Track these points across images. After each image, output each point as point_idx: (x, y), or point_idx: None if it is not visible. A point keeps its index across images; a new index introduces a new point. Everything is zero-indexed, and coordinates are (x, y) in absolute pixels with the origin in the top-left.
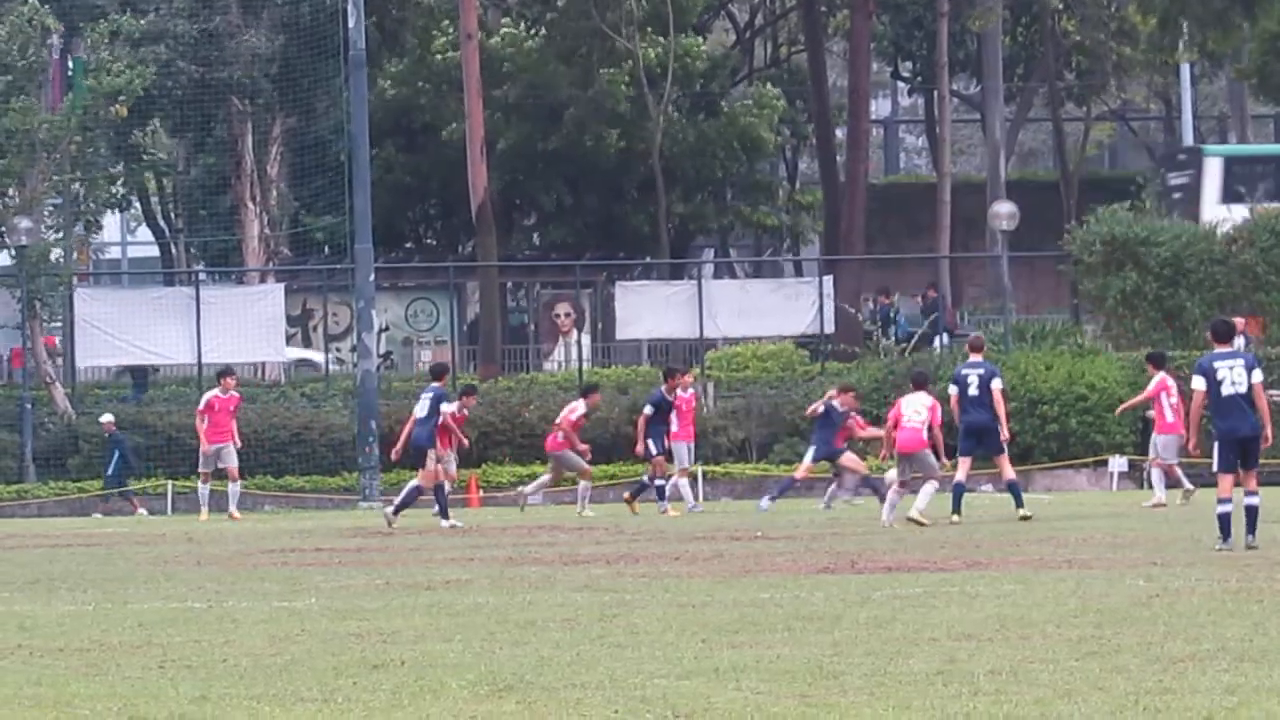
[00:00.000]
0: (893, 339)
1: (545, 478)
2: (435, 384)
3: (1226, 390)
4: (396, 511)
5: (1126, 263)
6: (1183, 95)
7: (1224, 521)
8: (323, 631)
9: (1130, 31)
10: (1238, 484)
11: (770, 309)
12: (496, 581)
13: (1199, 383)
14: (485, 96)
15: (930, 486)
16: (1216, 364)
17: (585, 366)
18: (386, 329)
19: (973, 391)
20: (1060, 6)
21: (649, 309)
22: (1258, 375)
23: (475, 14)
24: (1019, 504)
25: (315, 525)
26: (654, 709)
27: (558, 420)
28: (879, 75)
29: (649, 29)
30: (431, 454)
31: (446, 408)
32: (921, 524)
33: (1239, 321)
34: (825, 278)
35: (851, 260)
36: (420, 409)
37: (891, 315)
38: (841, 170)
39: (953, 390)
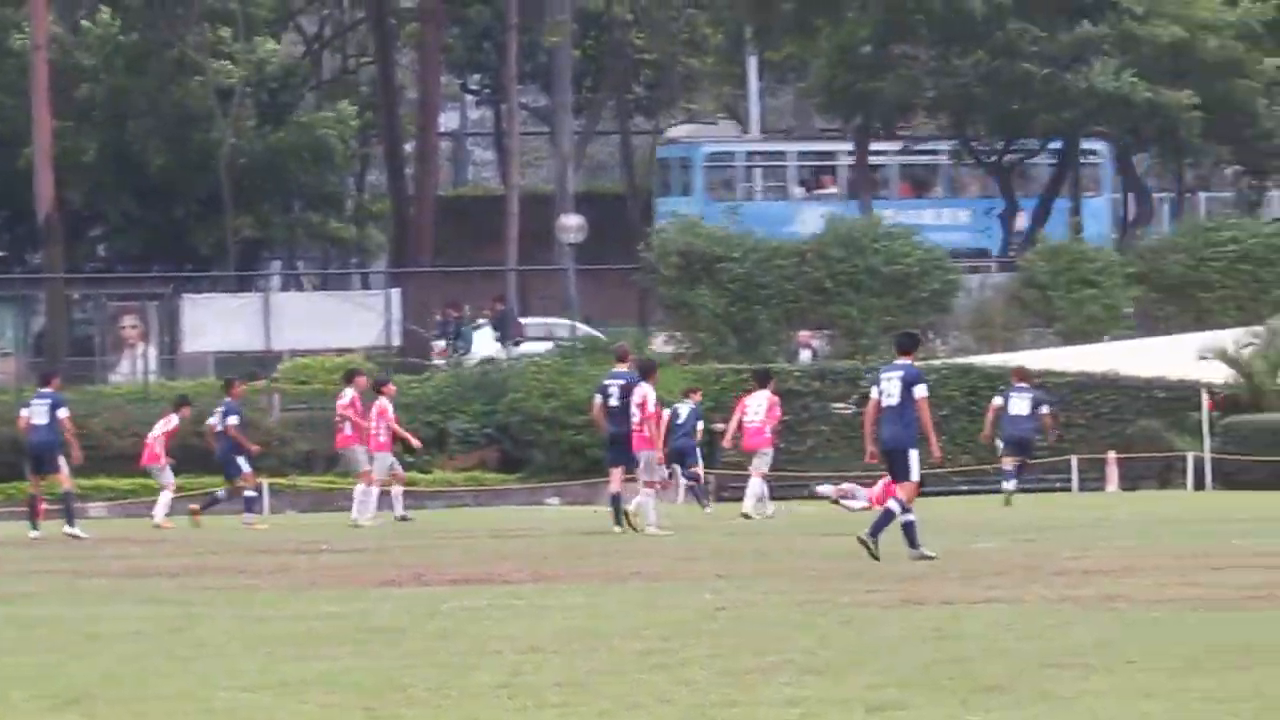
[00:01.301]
0: (461, 351)
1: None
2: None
3: (885, 401)
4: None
5: (700, 274)
6: (750, 109)
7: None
8: None
9: (700, 43)
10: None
11: (338, 321)
12: (63, 594)
13: (873, 392)
14: (59, 101)
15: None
16: (883, 374)
17: (151, 380)
18: None
19: (614, 402)
20: (630, 19)
21: (216, 321)
22: (919, 390)
23: (45, 25)
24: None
25: None
26: None
27: (154, 433)
28: (449, 87)
29: (221, 35)
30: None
31: (219, 420)
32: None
33: (804, 335)
34: (393, 290)
35: (420, 272)
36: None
37: (460, 328)
38: (410, 182)
39: (597, 400)
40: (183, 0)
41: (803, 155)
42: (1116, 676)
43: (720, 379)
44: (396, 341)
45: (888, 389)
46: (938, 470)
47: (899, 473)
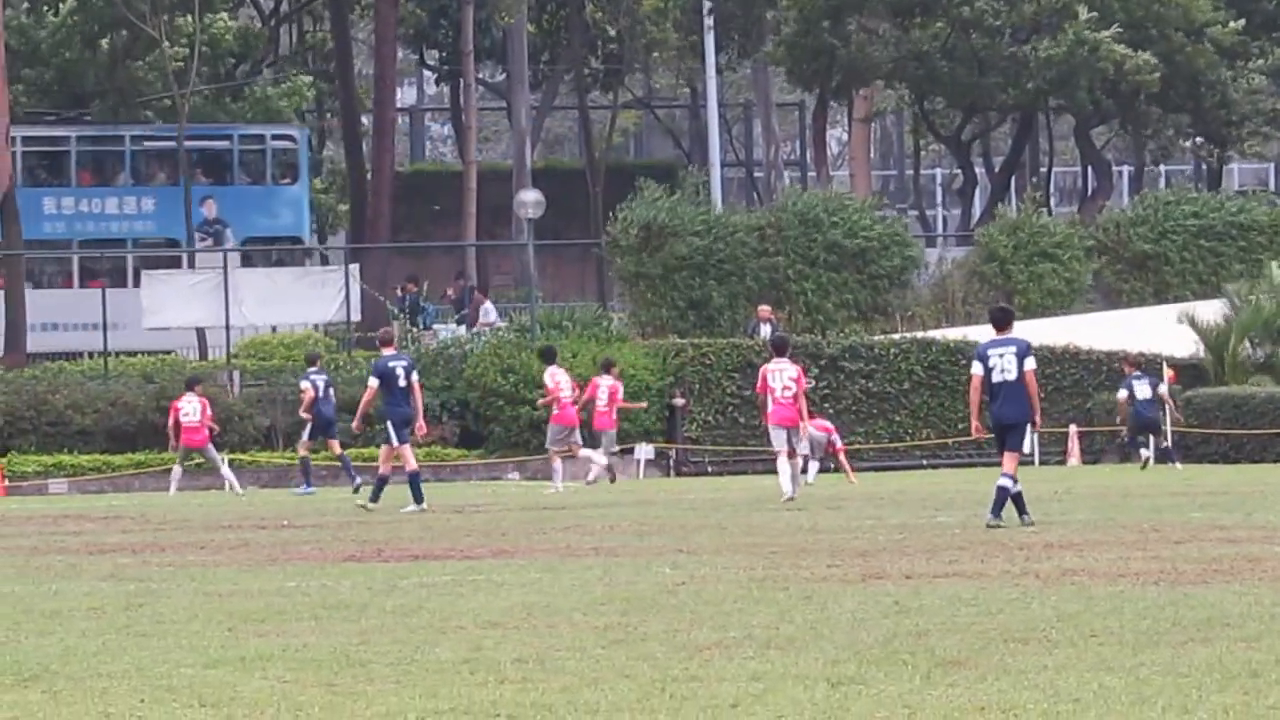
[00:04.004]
0: (420, 326)
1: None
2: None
3: (996, 377)
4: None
5: (659, 249)
6: (708, 83)
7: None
8: None
9: (655, 17)
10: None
11: (296, 296)
12: (21, 571)
13: (977, 368)
14: (14, 77)
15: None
16: (991, 350)
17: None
18: None
19: (401, 383)
20: None
21: (175, 298)
22: (1029, 363)
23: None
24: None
25: None
26: (180, 698)
27: (192, 418)
28: (405, 63)
29: (175, 11)
30: None
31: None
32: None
33: (764, 310)
34: (352, 265)
35: (378, 248)
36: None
37: (419, 302)
38: (367, 158)
39: (374, 383)
40: None
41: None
42: (1077, 650)
43: (679, 354)
44: (356, 317)
45: (1003, 364)
46: (898, 445)
47: (1015, 444)
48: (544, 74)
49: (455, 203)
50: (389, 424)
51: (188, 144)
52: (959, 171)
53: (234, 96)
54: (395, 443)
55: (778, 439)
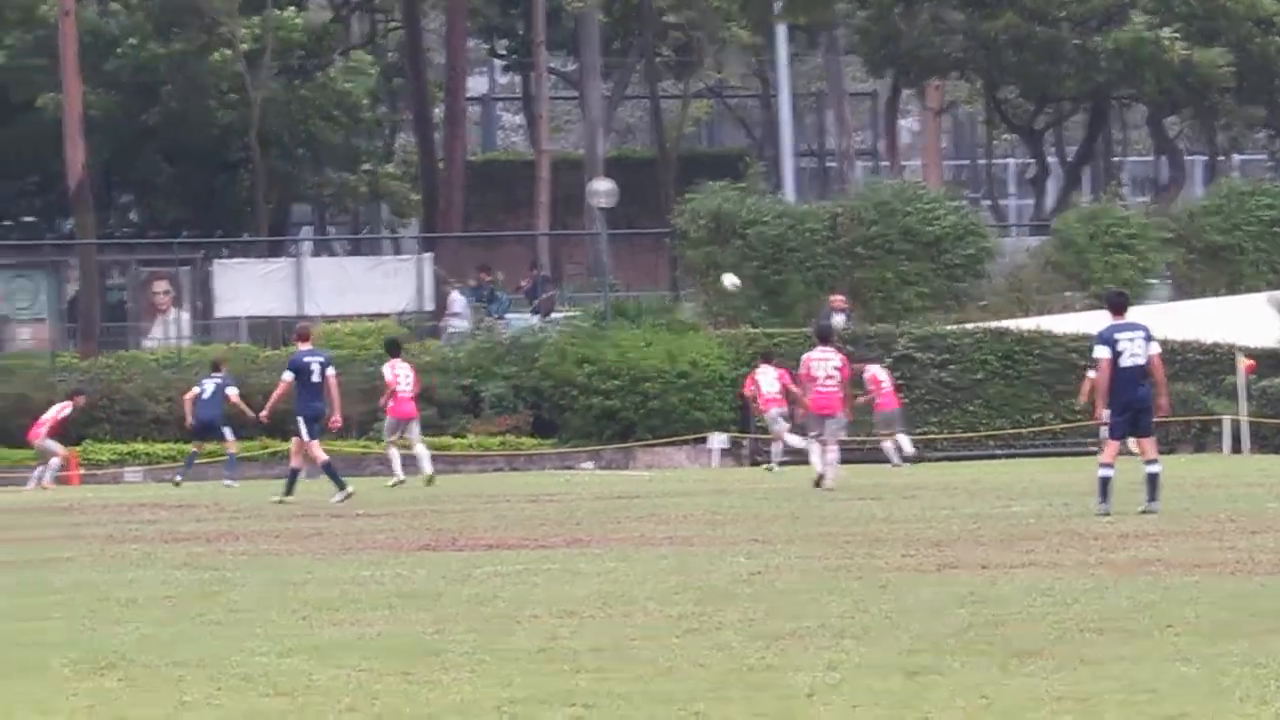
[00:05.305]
0: (494, 316)
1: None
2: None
3: (1126, 361)
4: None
5: (731, 239)
6: (779, 72)
7: (1104, 485)
8: None
9: (725, 7)
10: (1124, 452)
11: (369, 286)
12: (97, 559)
13: (1103, 352)
14: (88, 70)
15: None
16: (1119, 335)
17: (184, 344)
18: None
19: (315, 379)
20: None
21: (247, 286)
22: (1156, 347)
23: None
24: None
25: None
26: (256, 686)
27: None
28: (476, 52)
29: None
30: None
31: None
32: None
33: (837, 299)
34: (425, 255)
35: (451, 237)
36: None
37: (493, 292)
38: (439, 147)
39: (288, 377)
40: None
41: None
42: (1154, 641)
43: (752, 343)
44: (429, 306)
45: (1132, 349)
46: (971, 435)
47: (1148, 427)
48: (615, 63)
49: (527, 192)
50: (300, 419)
51: None
52: (1032, 161)
53: (304, 80)
54: (305, 437)
55: (815, 426)
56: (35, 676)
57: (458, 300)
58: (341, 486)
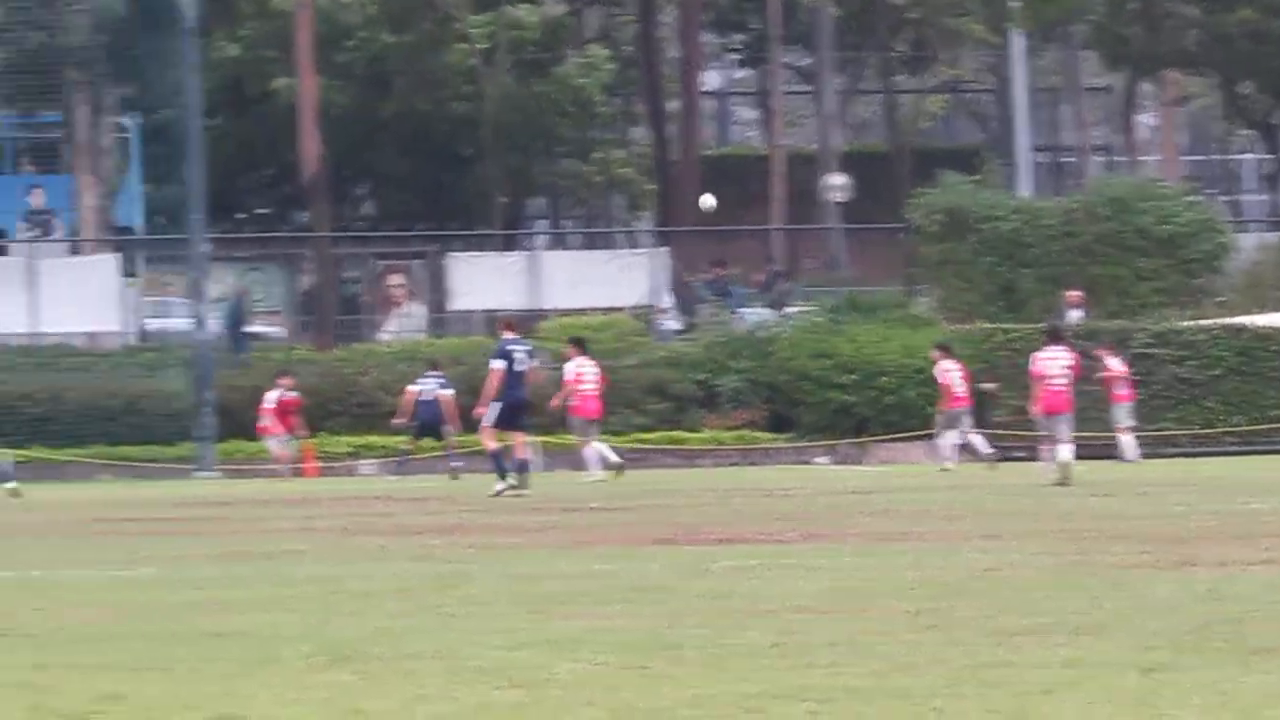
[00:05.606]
0: (729, 310)
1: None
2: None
3: None
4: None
5: (966, 234)
6: (1014, 67)
7: None
8: (161, 601)
9: (960, 1)
10: None
11: (604, 280)
12: (332, 552)
13: None
14: (321, 61)
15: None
16: None
17: (420, 337)
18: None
19: (518, 368)
20: None
21: (482, 280)
22: None
23: None
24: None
25: (151, 495)
26: (491, 679)
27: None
28: (710, 46)
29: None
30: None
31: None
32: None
33: (1073, 295)
34: (662, 249)
35: (686, 231)
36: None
37: (727, 287)
38: (674, 142)
39: (499, 365)
40: None
41: None
42: None
43: (989, 338)
44: (666, 300)
45: None
46: (1209, 431)
47: None
48: (850, 58)
49: (761, 187)
50: (496, 405)
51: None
52: (1270, 156)
53: (538, 75)
54: (489, 423)
55: (1047, 426)
56: (272, 668)
57: (666, 298)
58: (503, 477)
